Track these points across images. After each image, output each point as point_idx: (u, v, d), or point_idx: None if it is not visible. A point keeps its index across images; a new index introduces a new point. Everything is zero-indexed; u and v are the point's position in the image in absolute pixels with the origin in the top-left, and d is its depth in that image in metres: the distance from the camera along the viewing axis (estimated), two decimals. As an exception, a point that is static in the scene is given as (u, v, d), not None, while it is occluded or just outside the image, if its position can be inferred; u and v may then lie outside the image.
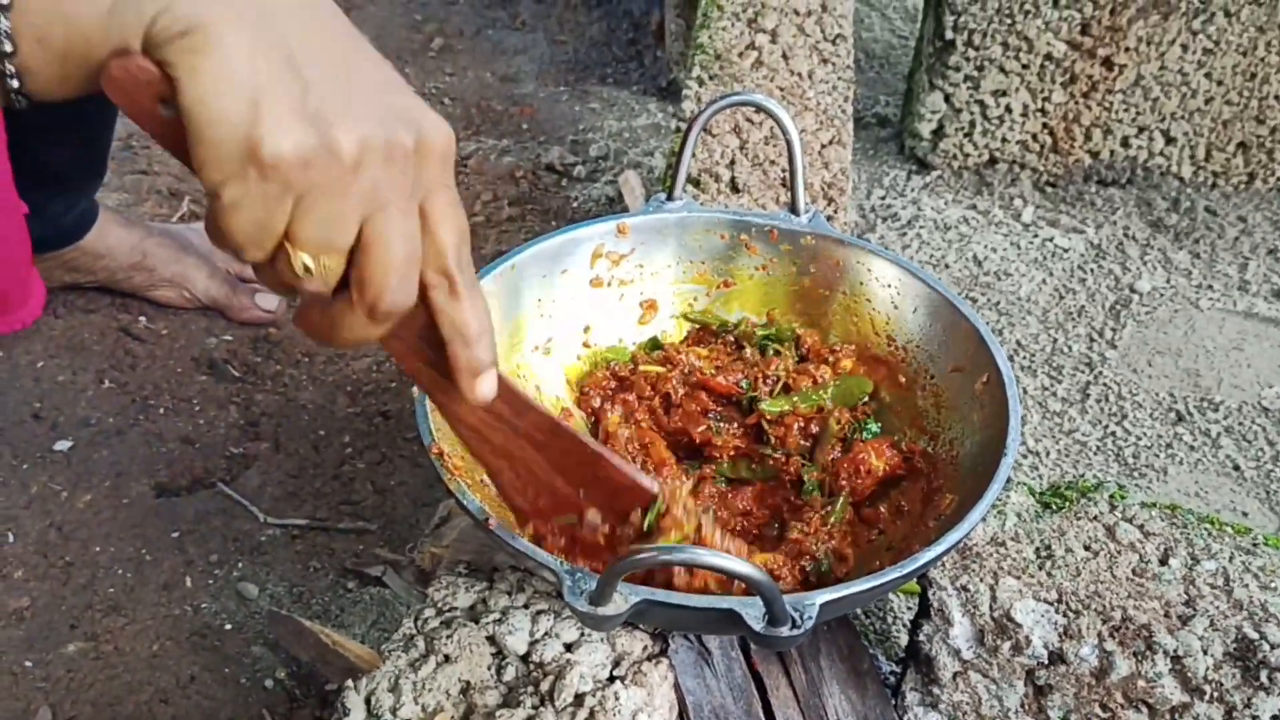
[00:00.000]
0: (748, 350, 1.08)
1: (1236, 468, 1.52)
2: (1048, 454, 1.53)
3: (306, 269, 0.60)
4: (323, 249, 0.60)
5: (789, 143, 1.07)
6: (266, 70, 0.56)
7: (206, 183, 0.57)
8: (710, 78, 1.48)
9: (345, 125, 0.58)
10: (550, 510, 0.86)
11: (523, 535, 0.84)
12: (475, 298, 0.69)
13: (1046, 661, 0.91)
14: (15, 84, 0.56)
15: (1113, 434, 1.56)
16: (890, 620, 1.28)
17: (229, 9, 0.56)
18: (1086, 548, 0.93)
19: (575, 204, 1.99)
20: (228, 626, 1.30)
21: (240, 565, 1.36)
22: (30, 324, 1.55)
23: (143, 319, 1.65)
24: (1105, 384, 1.63)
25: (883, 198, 1.98)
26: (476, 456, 0.84)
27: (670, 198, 1.11)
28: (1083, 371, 1.66)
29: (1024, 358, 1.68)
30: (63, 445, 1.48)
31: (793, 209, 1.10)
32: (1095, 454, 1.53)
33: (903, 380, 1.06)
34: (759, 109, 1.10)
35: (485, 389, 0.72)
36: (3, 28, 0.54)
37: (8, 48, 0.54)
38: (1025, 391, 1.62)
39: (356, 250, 0.61)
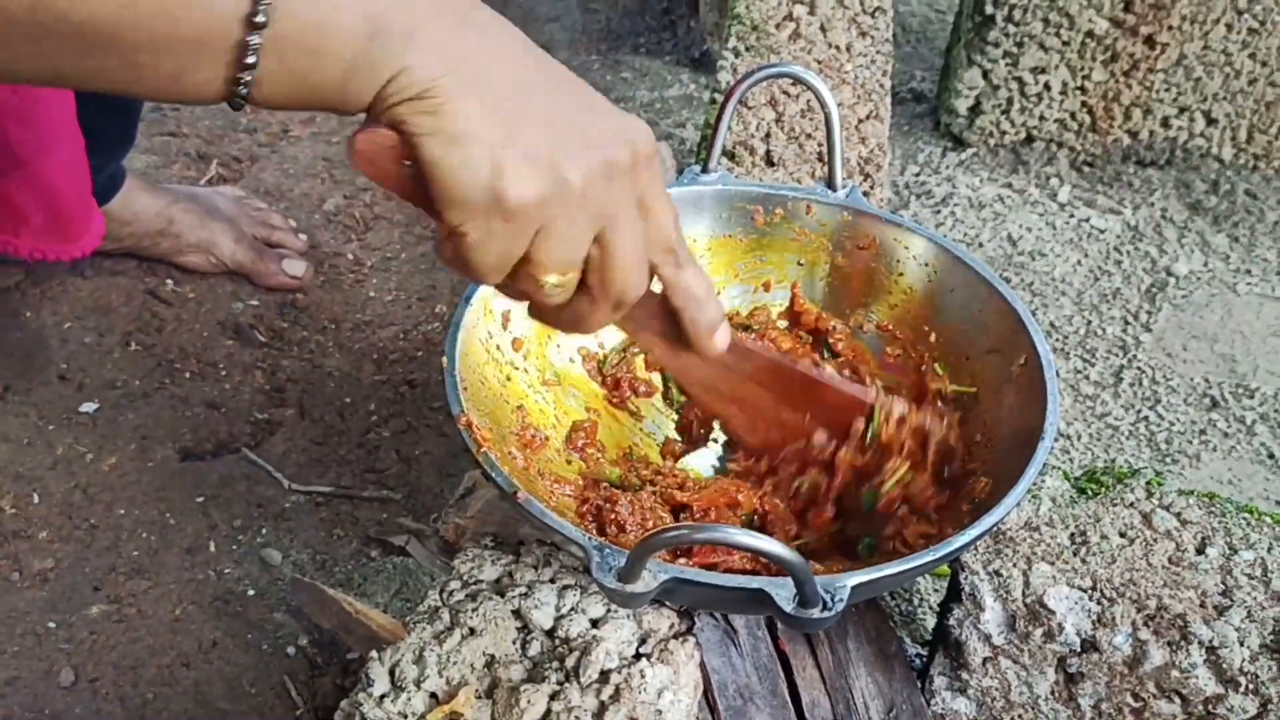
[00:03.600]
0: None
1: (1271, 456, 1.50)
2: (1079, 438, 1.51)
3: (555, 285, 0.69)
4: (565, 268, 0.68)
5: (827, 116, 1.05)
6: (496, 124, 0.63)
7: (451, 223, 0.64)
8: (747, 49, 1.46)
9: (571, 162, 0.65)
10: (780, 441, 0.95)
11: (757, 467, 0.97)
12: (697, 267, 0.79)
13: (1078, 649, 0.89)
14: (244, 91, 0.60)
15: (1145, 419, 1.54)
16: (916, 602, 1.26)
17: (458, 73, 0.62)
18: (1122, 535, 0.92)
19: (605, 175, 1.97)
20: (250, 592, 1.30)
21: (264, 531, 1.36)
22: (89, 254, 1.53)
23: (169, 282, 1.65)
24: (1139, 368, 1.61)
25: (917, 174, 1.96)
26: (708, 409, 0.94)
27: (705, 170, 1.09)
28: (1116, 355, 1.63)
29: (1057, 339, 1.66)
30: (89, 407, 1.47)
31: (829, 184, 1.08)
32: (1127, 439, 1.51)
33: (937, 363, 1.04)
34: (796, 81, 1.08)
35: (722, 340, 0.83)
36: (253, 43, 0.58)
37: (250, 60, 0.58)
38: (1058, 374, 1.60)
39: (593, 258, 0.70)
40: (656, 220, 0.73)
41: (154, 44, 0.57)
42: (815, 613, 0.74)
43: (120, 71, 0.58)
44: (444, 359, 0.90)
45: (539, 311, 0.75)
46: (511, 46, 0.67)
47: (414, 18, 0.61)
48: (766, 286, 1.11)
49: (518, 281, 0.69)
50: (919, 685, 0.99)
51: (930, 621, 1.25)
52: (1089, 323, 1.68)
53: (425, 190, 0.64)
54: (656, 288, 0.80)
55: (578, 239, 0.68)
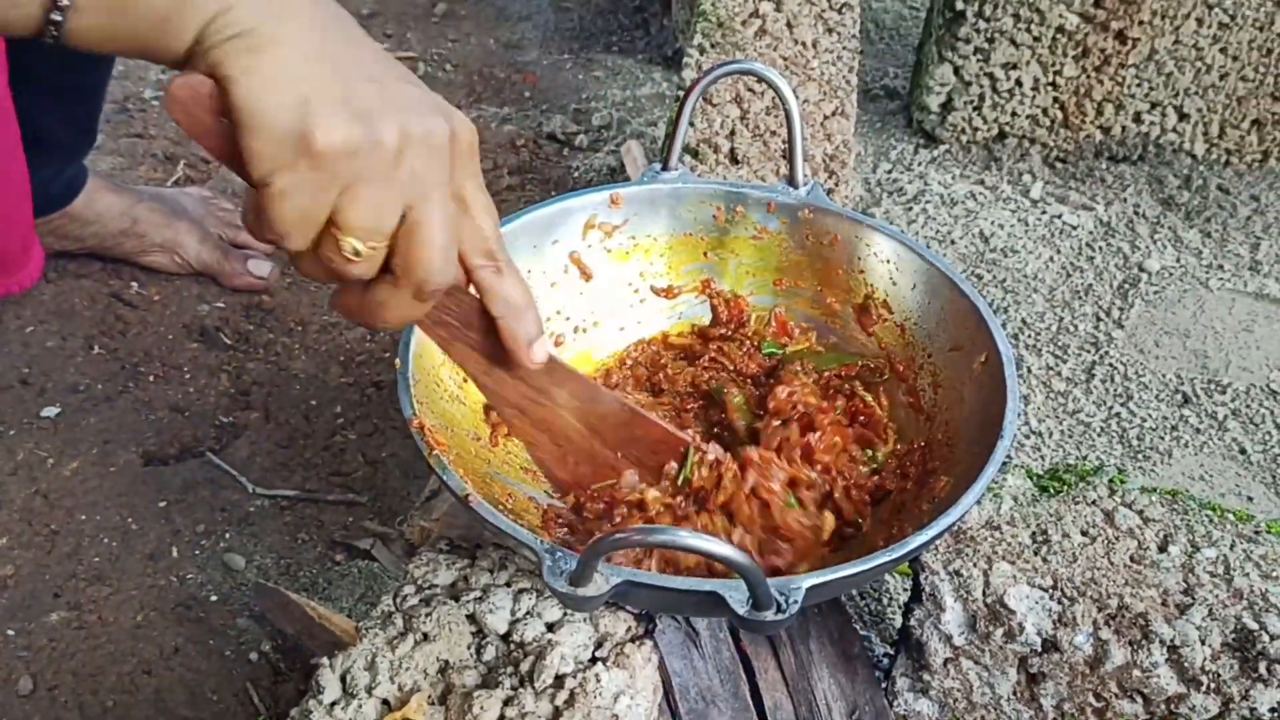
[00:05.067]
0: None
1: (1243, 451, 1.49)
2: (1050, 435, 1.51)
3: (356, 252, 0.65)
4: (370, 234, 0.65)
5: (788, 113, 1.04)
6: (314, 71, 0.61)
7: (256, 173, 0.61)
8: (712, 46, 1.45)
9: (388, 118, 0.63)
10: (590, 477, 0.91)
11: (565, 501, 0.92)
12: (517, 275, 0.77)
13: (1040, 649, 0.89)
14: (58, 18, 0.60)
15: (1117, 415, 1.54)
16: (885, 602, 1.26)
17: (280, 17, 0.61)
18: (1084, 533, 0.91)
19: (576, 174, 1.96)
20: (213, 598, 1.28)
21: (227, 536, 1.34)
22: (29, 286, 1.52)
23: (134, 285, 1.63)
24: (1111, 364, 1.61)
25: (889, 172, 1.95)
26: (519, 434, 0.89)
27: (666, 168, 1.08)
28: (1088, 351, 1.63)
29: (1029, 336, 1.65)
30: (50, 411, 1.46)
31: (791, 181, 1.07)
32: (1099, 435, 1.51)
33: (898, 359, 1.03)
34: (759, 78, 1.07)
35: (540, 353, 0.80)
36: None
37: None
38: (1029, 371, 1.60)
39: (399, 235, 0.66)
40: (475, 219, 0.72)
41: None
42: (769, 615, 0.73)
43: None
44: (398, 361, 0.89)
45: (342, 299, 0.72)
46: (336, 10, 0.67)
47: None
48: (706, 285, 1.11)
49: (321, 250, 0.65)
50: (882, 686, 0.98)
51: (899, 621, 1.24)
52: (1061, 319, 1.68)
53: (238, 146, 0.61)
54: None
55: (385, 205, 0.65)
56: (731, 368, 1.06)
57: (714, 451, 0.92)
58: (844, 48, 1.48)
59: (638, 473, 0.92)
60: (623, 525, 0.90)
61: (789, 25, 1.49)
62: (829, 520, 0.93)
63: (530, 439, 0.90)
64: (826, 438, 0.96)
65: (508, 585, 0.87)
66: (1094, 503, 0.94)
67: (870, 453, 0.99)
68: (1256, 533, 0.91)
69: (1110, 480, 0.96)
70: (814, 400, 1.00)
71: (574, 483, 0.92)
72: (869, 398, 1.02)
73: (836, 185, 1.27)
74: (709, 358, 1.07)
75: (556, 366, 0.85)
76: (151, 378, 1.52)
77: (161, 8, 0.60)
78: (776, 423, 0.98)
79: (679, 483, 0.91)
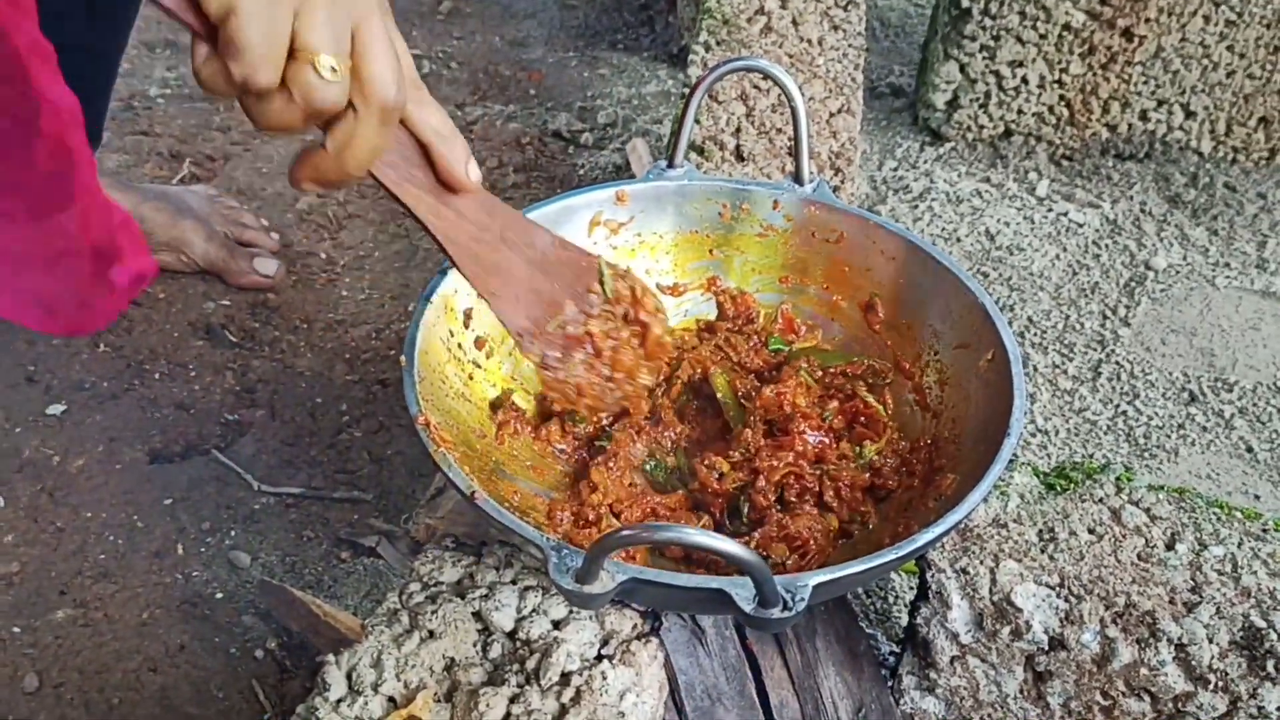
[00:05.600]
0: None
1: (1250, 449, 1.49)
2: (1057, 433, 1.50)
3: (333, 69, 0.68)
4: (334, 49, 0.68)
5: (794, 110, 1.04)
6: None
7: (215, 9, 0.64)
8: (717, 43, 1.45)
9: None
10: (541, 316, 0.93)
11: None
12: (436, 105, 0.81)
13: (1047, 647, 0.88)
14: None
15: (1124, 413, 1.53)
16: (891, 600, 1.25)
17: None
18: (1091, 531, 0.91)
19: (582, 171, 1.96)
20: (219, 595, 1.28)
21: (233, 533, 1.35)
22: (112, 319, 1.45)
23: (140, 282, 1.63)
24: (1117, 362, 1.60)
25: (895, 169, 1.94)
26: (475, 283, 0.91)
27: (671, 165, 1.08)
28: (1095, 349, 1.62)
29: (1035, 334, 1.65)
30: (56, 409, 1.46)
31: (796, 178, 1.07)
32: (1105, 434, 1.50)
33: (903, 356, 1.03)
34: (765, 75, 1.06)
35: (474, 172, 0.84)
36: None
37: None
38: (1035, 369, 1.59)
39: (355, 56, 0.70)
40: (398, 51, 0.74)
41: None
42: (776, 613, 0.73)
43: None
44: (402, 358, 0.89)
45: (305, 160, 0.74)
46: None
47: None
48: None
49: (295, 79, 0.68)
50: (889, 685, 0.98)
51: (905, 619, 1.24)
52: (1067, 317, 1.67)
53: None
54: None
55: (339, 22, 0.68)
56: (735, 359, 1.06)
57: (618, 265, 0.97)
58: (849, 45, 1.47)
59: (574, 304, 0.95)
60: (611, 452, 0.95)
61: (794, 22, 1.48)
62: (833, 521, 0.94)
63: (488, 289, 0.91)
64: (791, 444, 0.97)
65: (513, 583, 0.87)
66: (1101, 500, 0.94)
67: (859, 448, 0.99)
68: (1264, 531, 0.91)
69: (1117, 478, 0.95)
70: (802, 402, 1.00)
71: (530, 327, 0.94)
72: (870, 398, 1.02)
73: (842, 183, 1.27)
74: (714, 345, 1.06)
75: (494, 202, 0.89)
76: (157, 375, 1.52)
77: None
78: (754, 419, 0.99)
79: (605, 297, 0.95)
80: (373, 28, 0.70)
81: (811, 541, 0.91)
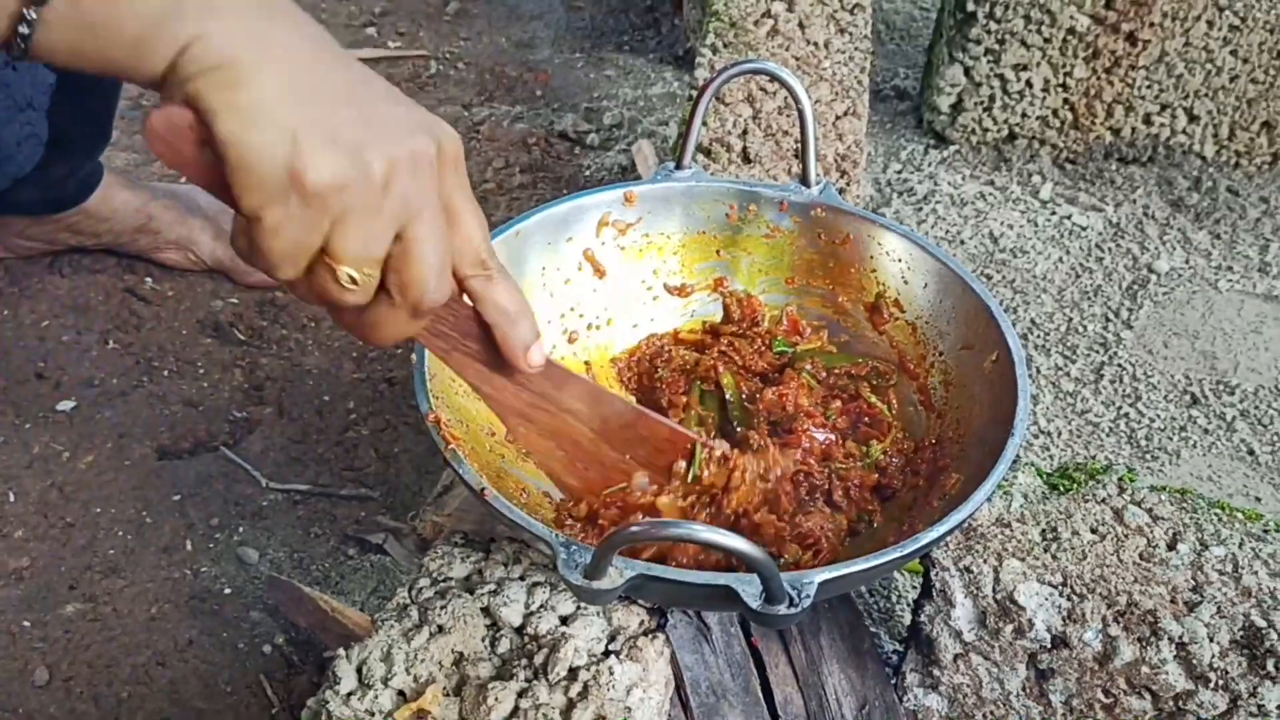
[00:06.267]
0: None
1: (1251, 452, 1.50)
2: (1059, 434, 1.51)
3: (352, 279, 0.65)
4: (364, 262, 0.64)
5: (801, 113, 1.05)
6: (299, 104, 0.60)
7: (245, 208, 0.60)
8: (724, 45, 1.46)
9: (374, 148, 0.62)
10: (600, 482, 0.90)
11: (577, 511, 0.91)
12: (510, 281, 0.76)
13: (1049, 645, 0.89)
14: (25, 30, 0.58)
15: (1126, 415, 1.54)
16: (894, 599, 1.26)
17: (258, 46, 0.59)
18: (1093, 531, 0.92)
19: (588, 172, 1.97)
20: (227, 591, 1.29)
21: (241, 530, 1.36)
22: None
23: (148, 280, 1.64)
24: (1120, 365, 1.61)
25: (899, 172, 1.95)
26: (526, 444, 0.88)
27: (679, 166, 1.09)
28: (1097, 352, 1.63)
29: (1038, 336, 1.66)
30: (66, 405, 1.47)
31: (804, 180, 1.08)
32: (1107, 435, 1.51)
33: (909, 357, 1.04)
34: (772, 78, 1.07)
35: (536, 358, 0.79)
36: None
37: None
38: (1038, 371, 1.60)
39: (393, 257, 0.66)
40: (464, 229, 0.71)
41: None
42: (782, 609, 0.74)
43: None
44: (414, 355, 0.90)
45: (338, 315, 0.71)
46: (313, 32, 0.65)
47: None
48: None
49: (314, 278, 0.65)
50: (892, 682, 0.98)
51: (908, 618, 1.25)
52: (1070, 320, 1.68)
53: (223, 175, 0.60)
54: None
55: (378, 232, 0.64)
56: (740, 362, 1.06)
57: (721, 447, 0.92)
58: (856, 48, 1.48)
59: (647, 474, 0.91)
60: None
61: (801, 25, 1.49)
62: (843, 521, 0.94)
63: (538, 448, 0.89)
64: (793, 448, 0.97)
65: (522, 579, 0.88)
66: (1103, 501, 0.94)
67: (866, 448, 1.00)
68: (1265, 531, 0.92)
69: (1120, 479, 0.96)
70: (805, 402, 1.01)
71: (585, 489, 0.91)
72: (874, 399, 1.03)
73: (848, 185, 1.28)
74: (718, 350, 1.07)
75: (556, 370, 0.85)
76: (166, 372, 1.53)
77: (134, 30, 0.58)
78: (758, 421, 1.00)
79: (689, 480, 0.91)
80: (421, 227, 0.66)
81: (824, 540, 0.91)
